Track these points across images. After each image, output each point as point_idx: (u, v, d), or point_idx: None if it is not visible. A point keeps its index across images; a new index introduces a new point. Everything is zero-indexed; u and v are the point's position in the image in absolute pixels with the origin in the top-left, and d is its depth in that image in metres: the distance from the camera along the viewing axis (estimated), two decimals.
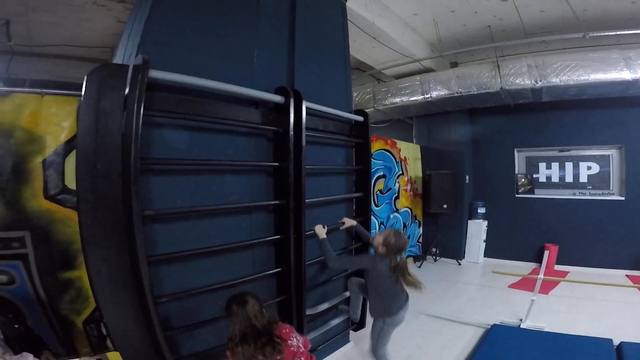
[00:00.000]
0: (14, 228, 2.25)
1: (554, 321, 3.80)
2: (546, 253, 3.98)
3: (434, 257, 6.75)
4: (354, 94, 6.71)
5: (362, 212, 3.35)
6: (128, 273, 1.81)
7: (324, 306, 3.01)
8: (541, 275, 3.83)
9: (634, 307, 4.18)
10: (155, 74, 1.78)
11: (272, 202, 2.48)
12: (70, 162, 2.38)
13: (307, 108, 2.53)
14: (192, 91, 2.03)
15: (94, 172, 1.74)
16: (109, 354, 2.77)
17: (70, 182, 2.40)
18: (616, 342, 3.17)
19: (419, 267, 6.40)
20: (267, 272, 2.49)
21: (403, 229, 6.21)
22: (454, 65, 6.15)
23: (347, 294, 3.21)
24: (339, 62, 3.27)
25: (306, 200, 2.54)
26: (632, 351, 2.96)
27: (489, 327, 3.75)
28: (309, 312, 2.82)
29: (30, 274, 2.37)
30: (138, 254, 1.73)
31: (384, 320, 2.40)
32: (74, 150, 2.35)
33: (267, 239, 2.46)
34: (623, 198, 5.64)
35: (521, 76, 4.94)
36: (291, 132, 2.42)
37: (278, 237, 2.49)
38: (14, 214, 2.24)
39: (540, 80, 4.80)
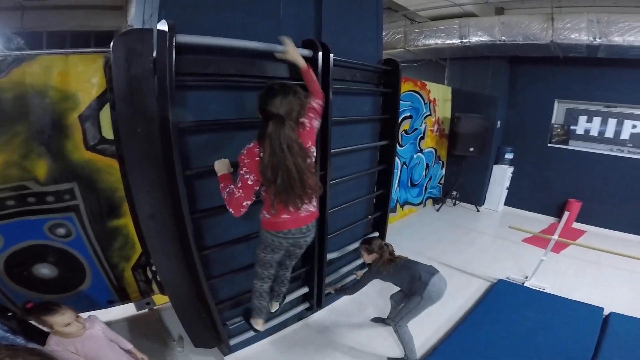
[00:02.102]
0: (63, 180, 2.44)
1: (556, 283, 3.91)
2: (566, 214, 3.91)
3: (454, 201, 6.79)
4: (384, 33, 6.19)
5: (386, 160, 3.37)
6: (173, 228, 1.97)
7: (345, 250, 3.23)
8: (555, 236, 3.86)
9: (637, 279, 4.20)
10: (181, 38, 1.73)
11: None
12: (105, 115, 2.49)
13: (334, 59, 2.43)
14: (220, 51, 1.97)
15: (135, 136, 1.81)
16: (154, 297, 3.17)
17: (107, 132, 2.53)
18: (607, 312, 3.28)
19: (438, 210, 6.52)
20: None
21: (426, 169, 6.25)
22: (500, 12, 5.46)
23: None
24: (369, 7, 3.00)
25: (331, 150, 2.59)
26: (618, 322, 3.08)
27: (495, 281, 3.92)
28: (329, 257, 3.04)
29: (83, 225, 2.61)
30: (182, 210, 1.88)
31: (422, 297, 2.48)
32: (107, 104, 2.44)
33: None
34: None
35: (578, 31, 4.36)
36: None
37: None
38: (61, 166, 2.40)
39: (600, 38, 4.24)
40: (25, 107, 2.20)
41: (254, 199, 1.74)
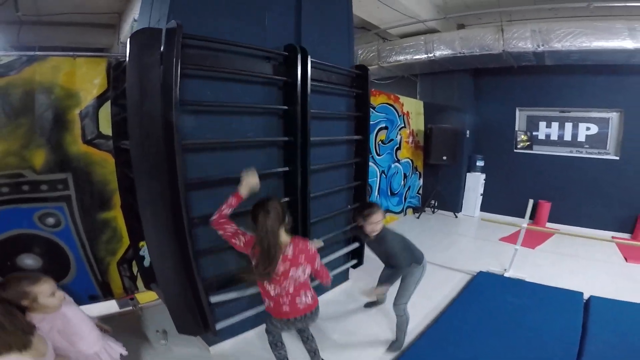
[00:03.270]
0: (58, 170, 2.59)
1: (535, 273, 4.10)
2: (530, 202, 4.18)
3: (433, 209, 7.06)
4: (360, 52, 6.74)
5: (361, 154, 3.61)
6: (168, 197, 2.09)
7: (328, 236, 3.28)
8: (524, 224, 4.11)
9: (612, 267, 4.46)
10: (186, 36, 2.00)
11: (282, 139, 2.73)
12: (104, 113, 2.70)
13: (312, 61, 2.73)
14: (216, 49, 2.25)
15: (141, 113, 2.01)
16: (138, 295, 3.16)
17: (104, 128, 2.72)
18: (587, 296, 3.45)
19: (418, 217, 6.75)
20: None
21: (403, 179, 6.54)
22: (461, 27, 6.07)
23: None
24: (342, 21, 3.37)
25: (311, 139, 2.80)
26: (598, 304, 3.27)
27: (476, 273, 4.10)
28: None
29: (73, 216, 2.72)
30: (178, 177, 2.01)
31: (422, 266, 2.52)
32: (106, 102, 2.66)
33: (278, 170, 2.74)
34: (618, 158, 5.74)
35: (524, 40, 4.91)
36: (298, 82, 2.63)
37: (287, 169, 2.77)
38: (58, 157, 2.57)
39: (542, 45, 4.78)
40: (32, 102, 2.42)
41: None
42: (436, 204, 7.07)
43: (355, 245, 3.68)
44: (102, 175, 2.77)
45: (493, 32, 5.18)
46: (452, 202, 6.90)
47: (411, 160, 6.78)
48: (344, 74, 3.34)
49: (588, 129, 5.97)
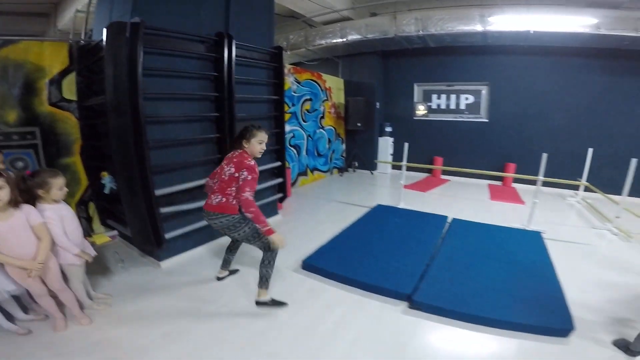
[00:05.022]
0: (28, 125, 3.16)
1: (421, 206, 5.27)
2: (406, 145, 5.35)
3: (354, 169, 8.22)
4: (291, 36, 7.60)
5: (278, 110, 4.43)
6: (135, 156, 2.75)
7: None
8: (404, 162, 5.28)
9: (478, 203, 5.80)
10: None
11: (213, 94, 3.48)
12: (66, 83, 3.35)
13: (236, 44, 3.54)
14: (166, 35, 2.99)
15: (116, 84, 2.69)
16: (96, 237, 3.56)
17: (67, 94, 3.35)
18: (450, 219, 4.59)
19: (341, 176, 7.86)
20: (213, 157, 3.59)
21: (328, 143, 7.56)
22: (374, 15, 7.06)
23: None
24: (264, 12, 4.18)
25: (236, 96, 3.59)
26: (456, 223, 4.44)
27: (375, 205, 5.23)
28: None
29: (39, 161, 3.26)
30: (143, 142, 2.72)
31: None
32: (69, 75, 3.33)
33: (210, 115, 3.48)
34: (487, 120, 7.24)
35: (409, 26, 6.04)
36: (225, 58, 3.44)
37: (217, 114, 3.51)
38: (28, 115, 3.15)
39: (423, 30, 5.94)
40: (6, 74, 2.98)
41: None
42: (357, 164, 8.21)
43: (280, 180, 4.53)
44: (64, 129, 3.35)
45: (389, 19, 6.24)
46: (369, 162, 8.06)
47: (334, 128, 7.80)
48: (264, 52, 4.15)
49: (467, 99, 7.37)
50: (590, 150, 5.65)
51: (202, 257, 3.50)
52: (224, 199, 2.39)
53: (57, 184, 2.08)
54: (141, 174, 2.81)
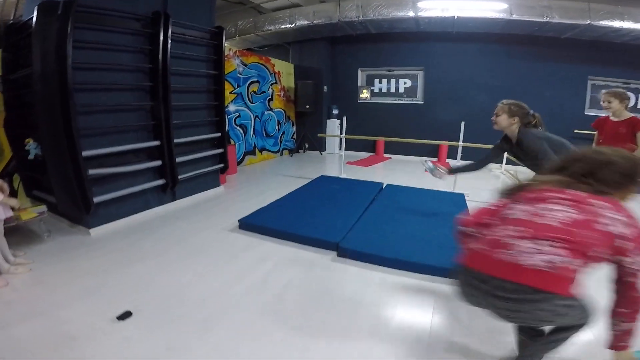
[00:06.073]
0: None
1: (361, 177, 5.62)
2: (344, 119, 5.79)
3: (304, 150, 8.44)
4: (240, 22, 7.66)
5: (218, 84, 4.51)
6: (61, 119, 2.77)
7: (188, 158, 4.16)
8: (343, 135, 5.60)
9: (413, 174, 6.22)
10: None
11: (147, 66, 3.54)
12: None
13: (174, 22, 3.64)
14: (102, 13, 3.04)
15: (45, 55, 2.70)
16: (21, 213, 3.15)
17: None
18: (384, 185, 4.99)
19: (291, 156, 8.04)
20: (147, 123, 3.65)
21: (277, 125, 7.71)
22: (323, 2, 7.22)
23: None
24: None
25: (171, 68, 3.67)
26: (388, 188, 4.84)
27: (319, 176, 5.48)
28: (178, 159, 3.95)
29: None
30: (70, 105, 2.75)
31: None
32: None
33: (144, 84, 3.52)
34: (423, 102, 7.74)
35: (351, 12, 6.37)
36: (161, 35, 3.52)
37: (151, 84, 3.55)
38: None
39: (362, 16, 6.27)
40: None
41: None
42: (307, 146, 8.40)
43: (220, 150, 4.62)
44: None
45: (334, 5, 6.46)
46: (318, 143, 8.33)
47: (284, 111, 7.92)
48: (204, 31, 4.25)
49: (405, 83, 7.83)
50: None
51: (138, 225, 3.48)
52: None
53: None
54: (67, 134, 2.80)
